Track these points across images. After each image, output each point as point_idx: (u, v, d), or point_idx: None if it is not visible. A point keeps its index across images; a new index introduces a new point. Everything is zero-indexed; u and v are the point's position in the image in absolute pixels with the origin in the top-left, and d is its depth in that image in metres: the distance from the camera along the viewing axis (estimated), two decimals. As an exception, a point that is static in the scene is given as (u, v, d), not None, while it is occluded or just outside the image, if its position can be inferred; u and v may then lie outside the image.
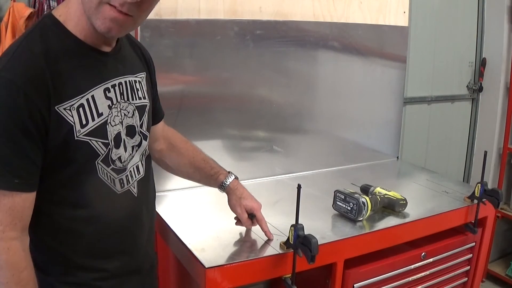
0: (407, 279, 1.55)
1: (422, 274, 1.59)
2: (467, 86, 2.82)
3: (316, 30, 1.88)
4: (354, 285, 1.42)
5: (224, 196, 1.73)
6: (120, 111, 1.02)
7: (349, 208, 1.47)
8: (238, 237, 1.36)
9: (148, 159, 1.15)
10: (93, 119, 0.95)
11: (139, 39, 1.56)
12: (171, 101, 1.66)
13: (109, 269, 1.06)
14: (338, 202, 1.51)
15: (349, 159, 2.10)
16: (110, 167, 1.00)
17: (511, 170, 2.91)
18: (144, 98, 1.11)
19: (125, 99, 1.04)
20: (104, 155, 0.98)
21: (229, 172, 1.38)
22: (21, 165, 0.88)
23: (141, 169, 1.11)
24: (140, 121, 1.09)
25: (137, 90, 1.08)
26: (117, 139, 1.01)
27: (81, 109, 0.93)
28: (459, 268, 1.72)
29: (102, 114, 0.97)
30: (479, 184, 1.60)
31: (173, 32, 1.61)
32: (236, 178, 1.38)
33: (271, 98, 1.86)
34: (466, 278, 1.76)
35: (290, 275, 1.25)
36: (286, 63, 1.86)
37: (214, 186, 1.38)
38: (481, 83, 2.81)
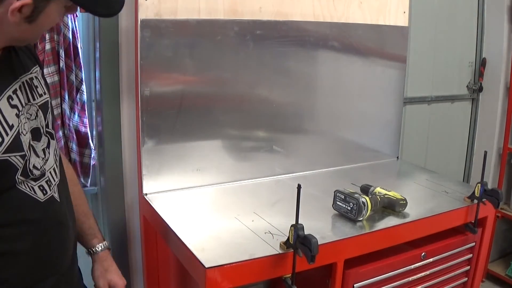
0: (407, 279, 1.56)
1: (422, 274, 1.59)
2: (467, 86, 2.82)
3: (316, 30, 1.88)
4: (354, 285, 1.43)
5: (224, 196, 1.74)
6: (25, 115, 0.95)
7: (349, 208, 1.47)
8: (238, 237, 1.36)
9: (60, 161, 1.10)
10: (6, 134, 0.88)
11: (139, 39, 1.56)
12: (171, 101, 1.66)
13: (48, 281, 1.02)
14: (338, 202, 1.51)
15: (349, 159, 2.10)
16: (29, 177, 0.94)
17: (511, 170, 2.91)
18: (45, 93, 1.04)
19: (27, 101, 0.96)
20: (22, 168, 0.92)
21: (104, 239, 1.29)
22: None
23: (58, 172, 1.05)
24: (45, 121, 1.02)
25: (36, 87, 1.01)
26: (30, 147, 0.95)
27: None
28: (459, 268, 1.72)
29: (13, 125, 0.89)
30: (479, 184, 1.60)
31: (173, 32, 1.61)
32: (108, 248, 1.29)
33: (271, 98, 1.86)
34: (466, 278, 1.76)
35: (290, 275, 1.25)
36: (286, 63, 1.86)
37: (82, 245, 1.26)
38: (481, 83, 2.81)
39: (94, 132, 1.82)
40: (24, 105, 0.95)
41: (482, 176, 1.62)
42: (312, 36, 1.88)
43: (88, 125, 1.77)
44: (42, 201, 0.98)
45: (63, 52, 1.64)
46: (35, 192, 0.96)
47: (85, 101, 1.75)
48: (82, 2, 0.87)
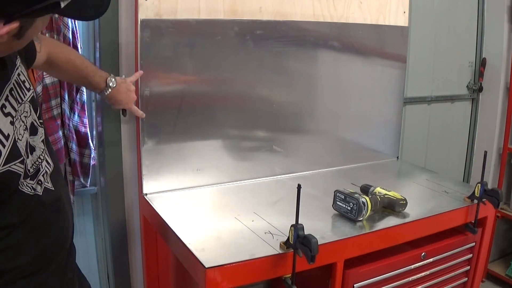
0: (407, 279, 1.56)
1: (422, 274, 1.59)
2: (467, 86, 2.82)
3: (316, 30, 1.88)
4: (354, 285, 1.43)
5: (224, 196, 1.73)
6: (20, 118, 0.94)
7: (349, 208, 1.47)
8: (238, 237, 1.36)
9: (49, 146, 1.10)
10: (3, 146, 0.87)
11: (139, 39, 1.56)
12: (171, 101, 1.66)
13: (50, 268, 1.04)
14: (338, 202, 1.51)
15: (349, 159, 2.10)
16: (28, 178, 0.95)
17: (511, 170, 2.91)
18: (30, 85, 1.02)
19: (20, 101, 0.95)
20: (23, 172, 0.93)
21: (108, 75, 1.51)
22: None
23: (50, 161, 1.06)
24: (36, 114, 1.02)
25: (23, 82, 0.99)
26: (27, 147, 0.96)
27: None
28: (459, 268, 1.72)
29: (8, 135, 0.89)
30: (479, 184, 1.60)
31: (173, 32, 1.61)
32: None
33: (271, 98, 1.86)
34: (466, 278, 1.76)
35: (290, 275, 1.25)
36: (286, 63, 1.86)
37: (98, 80, 1.49)
38: (481, 83, 2.81)
39: (94, 132, 1.82)
40: (17, 109, 0.94)
41: (482, 176, 1.62)
42: (312, 36, 1.88)
43: (88, 125, 1.77)
44: (41, 194, 1.00)
45: (63, 52, 1.63)
46: (34, 189, 0.98)
47: (85, 101, 1.75)
48: (69, 14, 0.87)
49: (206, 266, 1.18)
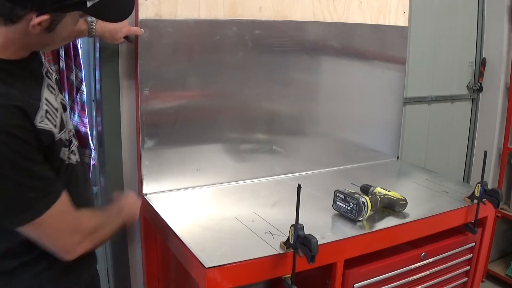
0: (407, 279, 1.56)
1: (422, 274, 1.59)
2: (467, 86, 2.82)
3: (316, 30, 1.88)
4: (354, 285, 1.43)
5: (224, 196, 1.73)
6: (57, 96, 1.08)
7: (349, 208, 1.47)
8: (238, 237, 1.36)
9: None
10: (56, 116, 1.02)
11: (139, 39, 1.57)
12: (170, 101, 1.66)
13: None
14: (338, 202, 1.51)
15: (349, 159, 2.10)
16: (66, 148, 1.07)
17: (511, 170, 2.90)
18: (52, 70, 1.19)
19: (54, 82, 1.10)
20: (63, 142, 1.05)
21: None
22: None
23: (75, 135, 1.18)
24: (62, 94, 1.15)
25: (50, 66, 1.15)
26: (65, 121, 1.09)
27: (48, 115, 0.99)
28: (459, 268, 1.72)
29: (57, 109, 1.04)
30: (479, 184, 1.61)
31: (172, 32, 1.61)
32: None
33: (271, 98, 1.86)
34: (466, 278, 1.76)
35: (290, 275, 1.25)
36: (285, 63, 1.86)
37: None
38: (481, 83, 2.80)
39: (94, 132, 1.82)
40: (54, 87, 1.07)
41: (482, 176, 1.62)
42: (312, 36, 1.88)
43: (88, 125, 1.77)
44: (74, 163, 1.11)
45: (63, 52, 1.63)
46: (69, 158, 1.09)
47: (85, 101, 1.75)
48: (94, 13, 0.98)
49: (206, 266, 1.18)
